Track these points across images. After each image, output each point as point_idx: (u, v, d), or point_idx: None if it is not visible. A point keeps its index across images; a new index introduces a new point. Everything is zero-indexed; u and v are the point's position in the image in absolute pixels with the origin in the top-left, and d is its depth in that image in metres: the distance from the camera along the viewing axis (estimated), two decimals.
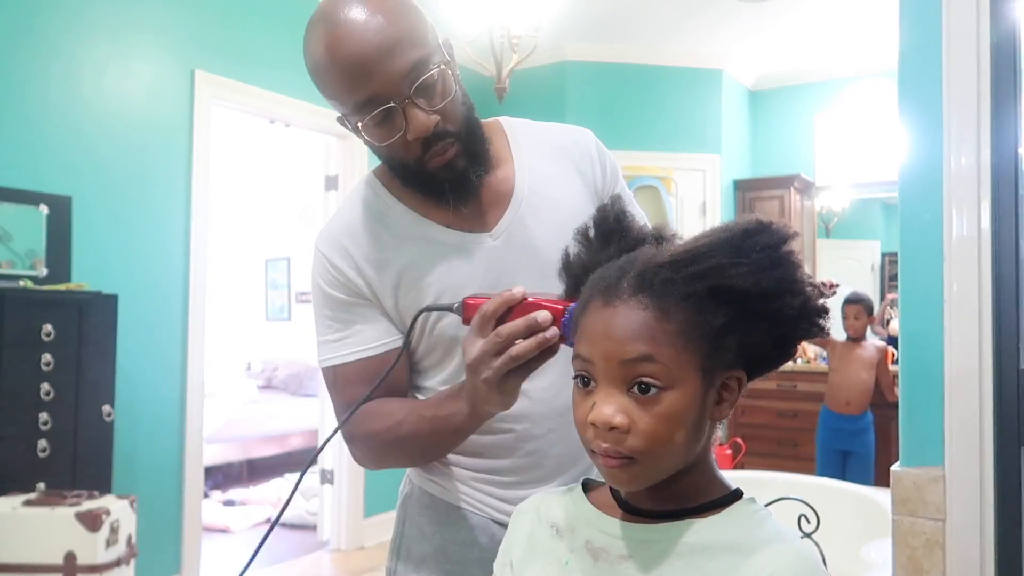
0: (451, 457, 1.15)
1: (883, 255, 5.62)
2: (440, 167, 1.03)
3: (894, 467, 1.49)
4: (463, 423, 1.00)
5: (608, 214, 0.86)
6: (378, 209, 1.12)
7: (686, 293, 0.71)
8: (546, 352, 0.87)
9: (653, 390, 0.70)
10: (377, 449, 1.09)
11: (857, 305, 4.28)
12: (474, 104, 1.09)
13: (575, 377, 0.75)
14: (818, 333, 0.77)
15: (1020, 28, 1.43)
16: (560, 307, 0.86)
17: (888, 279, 5.52)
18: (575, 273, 0.85)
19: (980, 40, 1.42)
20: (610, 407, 0.70)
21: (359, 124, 1.01)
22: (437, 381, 1.13)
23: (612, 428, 0.70)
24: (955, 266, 1.43)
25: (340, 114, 1.05)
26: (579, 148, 1.20)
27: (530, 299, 0.88)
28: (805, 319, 0.75)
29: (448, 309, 0.95)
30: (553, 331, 0.86)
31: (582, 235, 0.87)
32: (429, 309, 1.01)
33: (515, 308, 0.88)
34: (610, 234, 0.85)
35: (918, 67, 1.51)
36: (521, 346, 0.86)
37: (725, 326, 0.72)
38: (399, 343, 1.09)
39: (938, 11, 1.47)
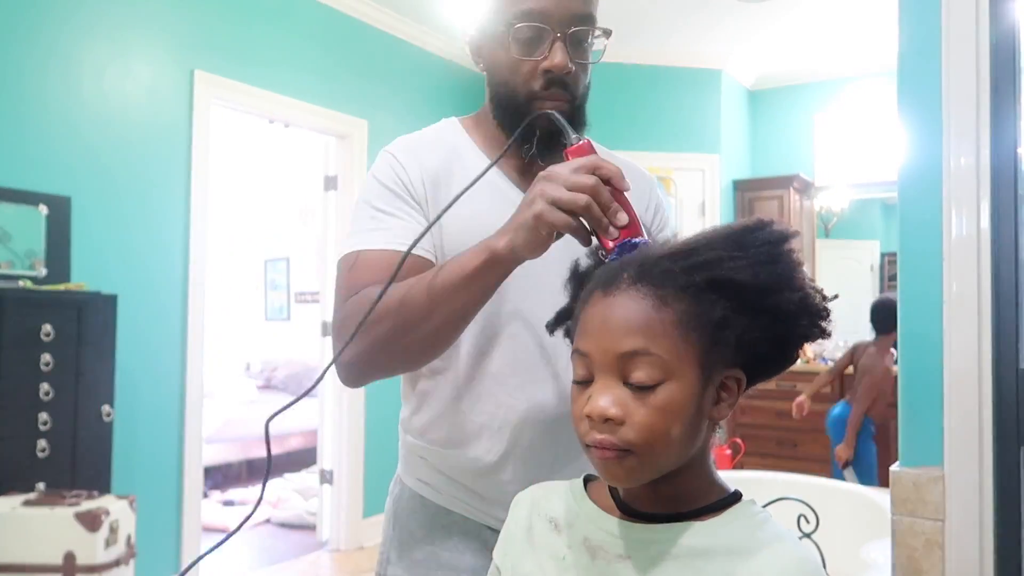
0: (442, 463, 1.13)
1: (882, 255, 5.62)
2: (545, 112, 1.03)
3: (893, 467, 1.49)
4: (482, 260, 0.93)
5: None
6: (456, 144, 1.16)
7: (685, 283, 0.71)
8: (591, 242, 0.87)
9: (649, 382, 0.70)
10: (367, 329, 0.96)
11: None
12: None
13: (574, 375, 0.75)
14: (818, 335, 0.76)
15: (1019, 28, 1.43)
16: (636, 229, 0.85)
17: (887, 279, 5.52)
18: (583, 282, 0.85)
19: (980, 40, 1.42)
20: (605, 398, 0.70)
21: (510, 35, 1.05)
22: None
23: (607, 420, 0.69)
24: (954, 266, 1.43)
25: (482, 25, 1.12)
26: (642, 181, 1.22)
27: (628, 196, 0.87)
28: (804, 317, 0.75)
29: (567, 131, 0.95)
30: (624, 218, 0.84)
31: (593, 250, 0.87)
32: (548, 114, 0.99)
33: (616, 192, 0.86)
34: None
35: (917, 67, 1.51)
36: (593, 207, 0.83)
37: (724, 319, 0.71)
38: (428, 254, 1.08)
39: (937, 11, 1.47)
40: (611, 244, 0.84)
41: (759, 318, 0.73)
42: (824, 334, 0.76)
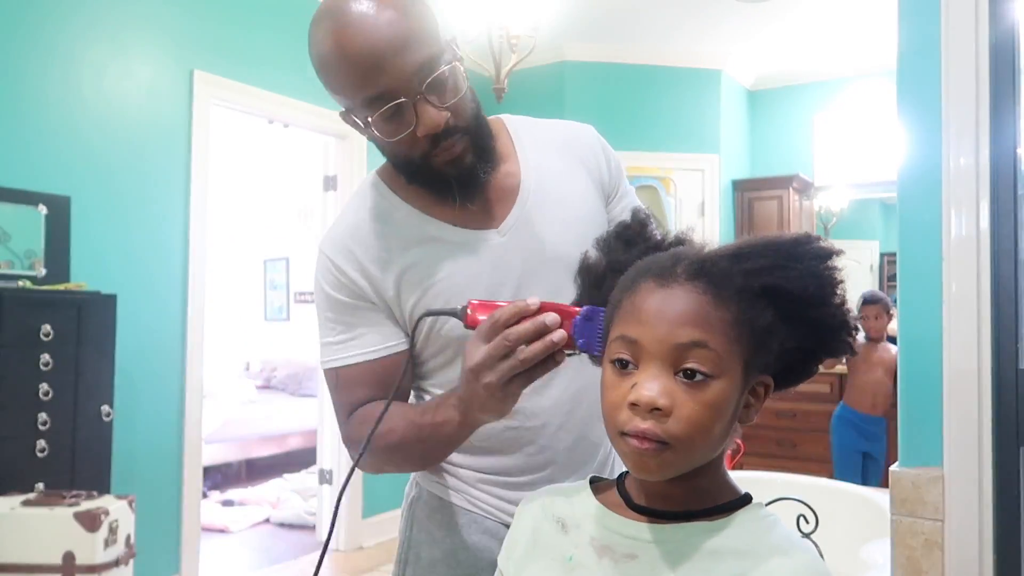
0: (459, 459, 1.14)
1: (882, 255, 5.62)
2: (447, 163, 1.02)
3: (893, 467, 1.49)
4: (453, 432, 0.98)
5: (634, 222, 0.87)
6: (384, 209, 1.11)
7: (741, 287, 0.72)
8: (551, 359, 0.85)
9: (700, 376, 0.69)
10: (371, 455, 1.03)
11: (876, 305, 4.17)
12: (477, 101, 1.07)
13: (612, 360, 0.74)
14: (846, 350, 0.78)
15: (1019, 28, 1.43)
16: (571, 312, 0.84)
17: (887, 279, 5.52)
18: (595, 275, 0.85)
19: (979, 40, 1.42)
20: (655, 387, 0.69)
21: (368, 119, 0.99)
22: (444, 381, 1.11)
23: (654, 409, 0.68)
24: (954, 266, 1.43)
25: (345, 109, 1.04)
26: (583, 144, 1.19)
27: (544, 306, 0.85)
28: (840, 332, 0.77)
29: (451, 314, 0.92)
30: (560, 334, 0.82)
31: (602, 241, 0.87)
32: (431, 314, 0.97)
33: (526, 319, 0.84)
34: (633, 239, 0.85)
35: (917, 67, 1.51)
36: (529, 350, 0.82)
37: (771, 326, 0.73)
38: (403, 346, 1.09)
39: (937, 11, 1.47)
40: (568, 344, 0.84)
41: (800, 329, 0.75)
42: (852, 350, 0.78)
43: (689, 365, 0.69)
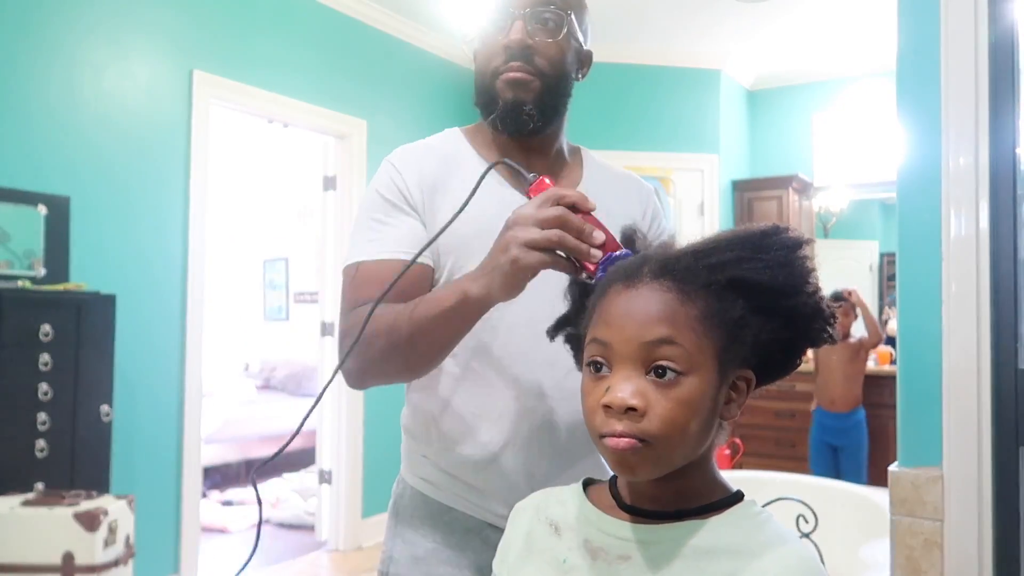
0: (443, 459, 1.15)
1: (881, 255, 5.62)
2: (507, 83, 1.14)
3: (892, 467, 1.49)
4: (452, 306, 0.98)
5: (622, 239, 0.88)
6: (452, 151, 1.22)
7: (707, 281, 0.72)
8: (574, 265, 0.88)
9: (671, 374, 0.70)
10: (360, 348, 1.02)
11: (845, 303, 4.33)
12: (575, 77, 1.22)
13: (588, 364, 0.75)
14: (826, 339, 0.78)
15: (1018, 28, 1.43)
16: (613, 245, 0.86)
17: (886, 279, 5.53)
18: (580, 292, 0.87)
19: (978, 40, 1.42)
20: (627, 388, 0.70)
21: (485, 14, 1.16)
22: None
23: (628, 410, 0.69)
24: (953, 266, 1.43)
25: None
26: (640, 193, 1.30)
27: (596, 217, 0.88)
28: (816, 321, 0.77)
29: (520, 170, 0.99)
30: (596, 253, 0.85)
31: (576, 280, 0.89)
32: (506, 163, 1.03)
33: (582, 214, 0.88)
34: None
35: (916, 67, 1.51)
36: (566, 238, 0.85)
37: (742, 318, 0.73)
38: (426, 260, 1.13)
39: (936, 11, 1.47)
40: (592, 267, 0.85)
41: (774, 319, 0.75)
42: (831, 339, 0.78)
43: (659, 363, 0.70)
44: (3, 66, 2.89)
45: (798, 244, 0.76)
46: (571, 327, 0.87)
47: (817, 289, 0.77)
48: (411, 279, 1.06)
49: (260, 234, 7.69)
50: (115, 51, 3.25)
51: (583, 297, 0.84)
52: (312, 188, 5.67)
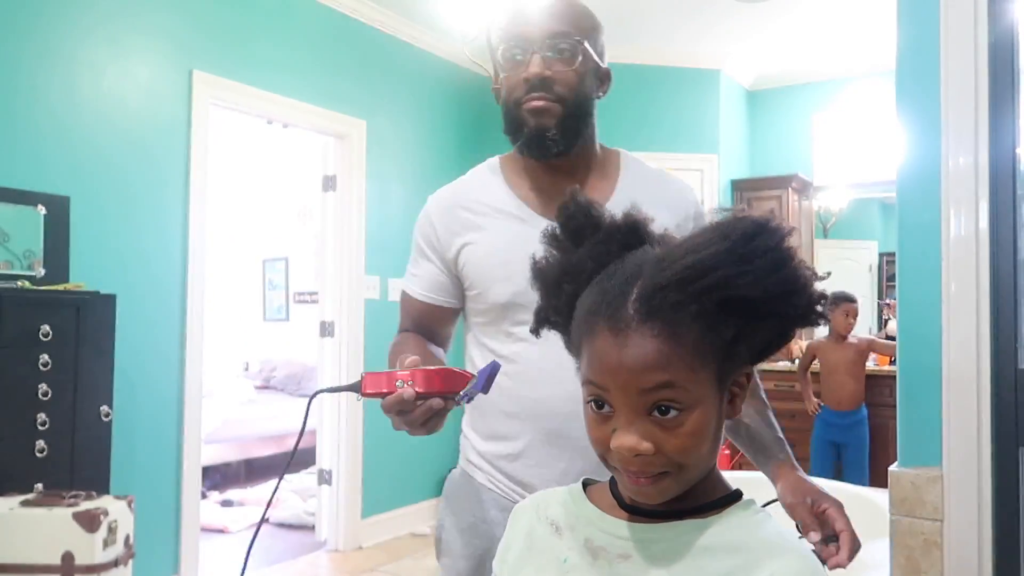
0: (478, 443, 1.31)
1: (881, 255, 5.62)
2: (530, 111, 1.23)
3: (892, 467, 1.49)
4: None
5: (575, 209, 0.82)
6: (485, 181, 1.35)
7: (696, 312, 0.69)
8: (439, 414, 1.01)
9: (673, 412, 0.69)
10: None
11: (855, 304, 4.36)
12: (596, 96, 1.32)
13: (588, 401, 0.74)
14: (818, 321, 0.75)
15: (1018, 28, 1.43)
16: (435, 381, 1.00)
17: (886, 279, 5.52)
18: (551, 279, 0.82)
19: (978, 40, 1.42)
20: (633, 436, 0.69)
21: (501, 49, 1.26)
22: (492, 332, 1.31)
23: (637, 455, 0.69)
24: (953, 266, 1.43)
25: (492, 56, 1.31)
26: (680, 198, 1.41)
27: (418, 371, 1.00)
28: (811, 312, 0.74)
29: (350, 389, 1.05)
30: (435, 405, 1.00)
31: (550, 237, 0.84)
32: (328, 391, 1.12)
33: (429, 373, 1.00)
34: (580, 230, 0.81)
35: (916, 67, 1.51)
36: (411, 423, 1.01)
37: (735, 335, 0.71)
38: (444, 303, 1.35)
39: (936, 11, 1.47)
40: (455, 400, 1.01)
41: (767, 322, 0.73)
42: (824, 319, 0.75)
43: (661, 403, 0.69)
44: (3, 66, 2.89)
45: (781, 240, 0.72)
46: (552, 318, 0.83)
47: (807, 283, 0.73)
48: (434, 317, 1.35)
49: (260, 234, 7.69)
50: (115, 51, 3.25)
51: (552, 294, 0.81)
52: (312, 188, 5.66)
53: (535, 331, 0.86)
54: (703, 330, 0.69)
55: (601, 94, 1.34)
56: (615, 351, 0.70)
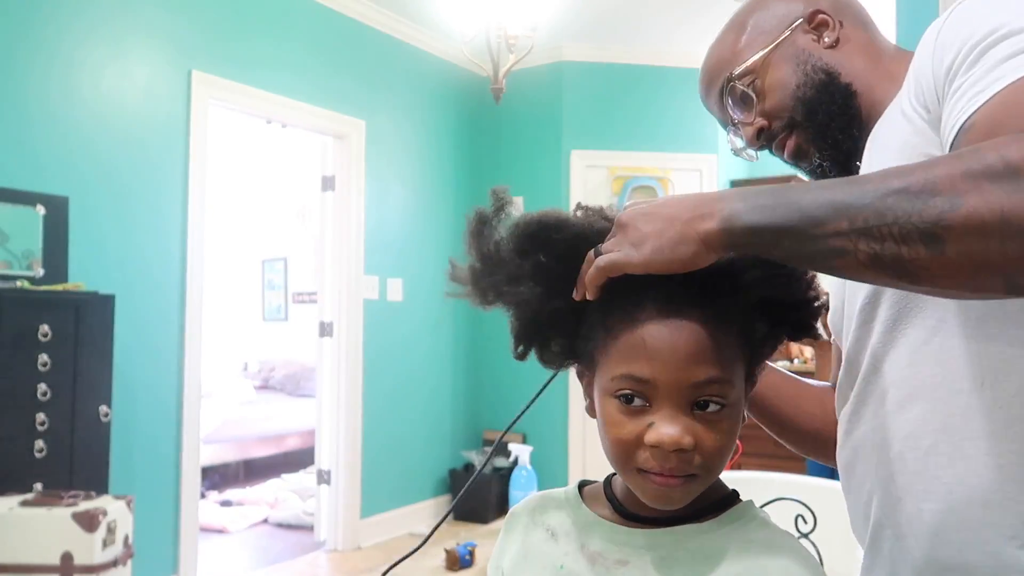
0: None
1: None
2: (791, 160, 0.98)
3: None
4: None
5: (539, 226, 0.75)
6: None
7: (743, 304, 0.71)
8: None
9: (714, 407, 0.68)
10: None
11: None
12: (819, 79, 0.93)
13: (615, 395, 0.70)
14: (814, 336, 0.77)
15: None
16: None
17: None
18: (568, 306, 0.75)
19: None
20: (676, 428, 0.66)
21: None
22: None
23: (679, 449, 0.66)
24: None
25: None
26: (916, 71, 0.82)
27: None
28: (810, 327, 0.77)
29: None
30: None
31: (534, 269, 0.75)
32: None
33: None
34: (533, 243, 0.75)
35: None
36: None
37: (766, 335, 0.73)
38: None
39: (936, 11, 1.47)
40: None
41: (782, 329, 0.75)
42: (818, 335, 0.78)
43: (706, 398, 0.68)
44: (2, 66, 2.89)
45: None
46: (548, 347, 0.79)
47: (819, 294, 0.76)
48: None
49: (259, 234, 7.69)
50: (114, 51, 3.25)
51: (558, 316, 0.76)
52: (311, 188, 5.67)
53: (521, 357, 0.80)
54: (744, 325, 0.70)
55: (823, 43, 0.96)
56: (667, 334, 0.67)
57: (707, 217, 0.66)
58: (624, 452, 0.69)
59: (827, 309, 0.80)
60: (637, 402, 0.68)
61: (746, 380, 0.73)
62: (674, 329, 0.67)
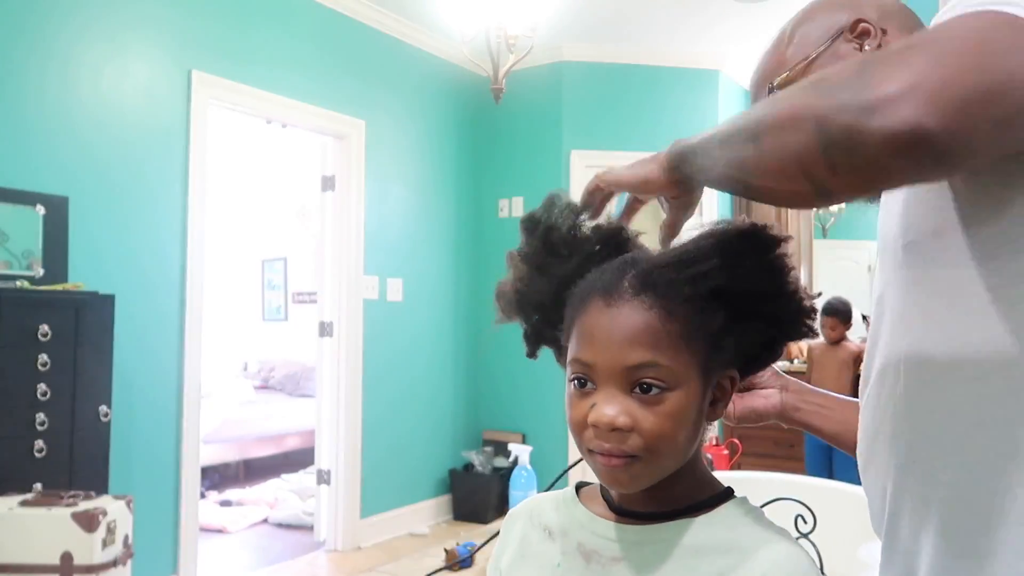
0: None
1: None
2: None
3: None
4: None
5: (556, 219, 0.81)
6: None
7: (689, 294, 0.72)
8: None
9: (655, 390, 0.70)
10: None
11: (833, 317, 4.39)
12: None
13: (571, 379, 0.74)
14: (806, 334, 0.78)
15: None
16: None
17: None
18: (547, 295, 0.81)
19: None
20: (612, 408, 0.70)
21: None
22: None
23: (615, 429, 0.69)
24: None
25: None
26: None
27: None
28: (798, 320, 0.77)
29: None
30: None
31: (525, 256, 0.82)
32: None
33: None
34: (560, 243, 0.81)
35: None
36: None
37: (724, 328, 0.73)
38: None
39: (936, 11, 1.47)
40: None
41: (755, 323, 0.75)
42: (812, 333, 0.79)
43: (644, 381, 0.70)
44: (2, 66, 2.89)
45: (776, 243, 0.75)
46: (547, 334, 0.83)
47: (796, 289, 0.76)
48: None
49: (259, 234, 7.69)
50: (113, 51, 3.25)
51: (554, 299, 0.80)
52: (311, 188, 5.67)
53: (531, 354, 0.86)
54: (693, 313, 0.71)
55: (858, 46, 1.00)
56: (606, 320, 0.72)
57: (669, 149, 0.79)
58: (577, 433, 0.74)
59: (816, 310, 0.79)
60: (588, 386, 0.73)
61: (709, 376, 0.73)
62: (613, 316, 0.72)
